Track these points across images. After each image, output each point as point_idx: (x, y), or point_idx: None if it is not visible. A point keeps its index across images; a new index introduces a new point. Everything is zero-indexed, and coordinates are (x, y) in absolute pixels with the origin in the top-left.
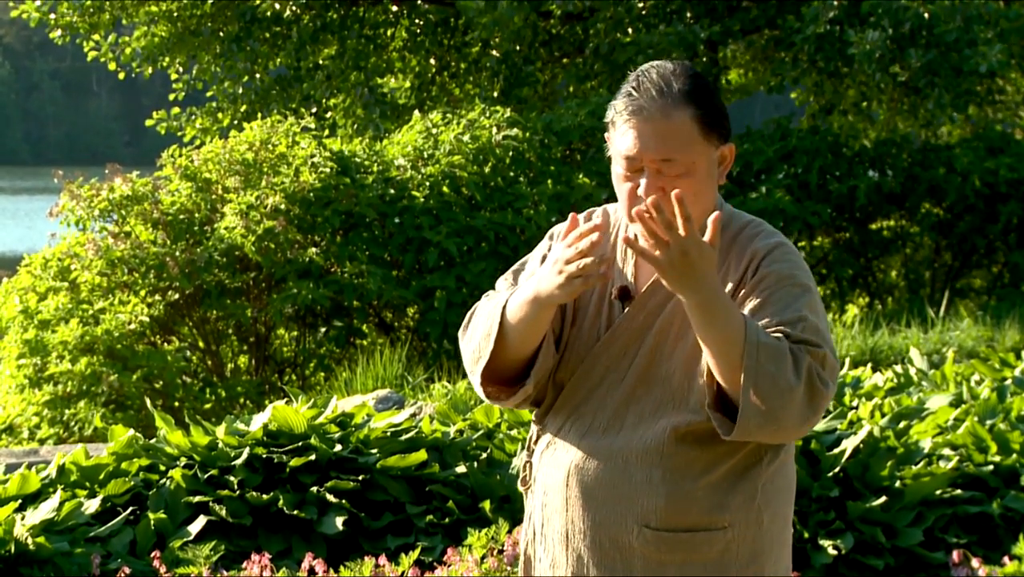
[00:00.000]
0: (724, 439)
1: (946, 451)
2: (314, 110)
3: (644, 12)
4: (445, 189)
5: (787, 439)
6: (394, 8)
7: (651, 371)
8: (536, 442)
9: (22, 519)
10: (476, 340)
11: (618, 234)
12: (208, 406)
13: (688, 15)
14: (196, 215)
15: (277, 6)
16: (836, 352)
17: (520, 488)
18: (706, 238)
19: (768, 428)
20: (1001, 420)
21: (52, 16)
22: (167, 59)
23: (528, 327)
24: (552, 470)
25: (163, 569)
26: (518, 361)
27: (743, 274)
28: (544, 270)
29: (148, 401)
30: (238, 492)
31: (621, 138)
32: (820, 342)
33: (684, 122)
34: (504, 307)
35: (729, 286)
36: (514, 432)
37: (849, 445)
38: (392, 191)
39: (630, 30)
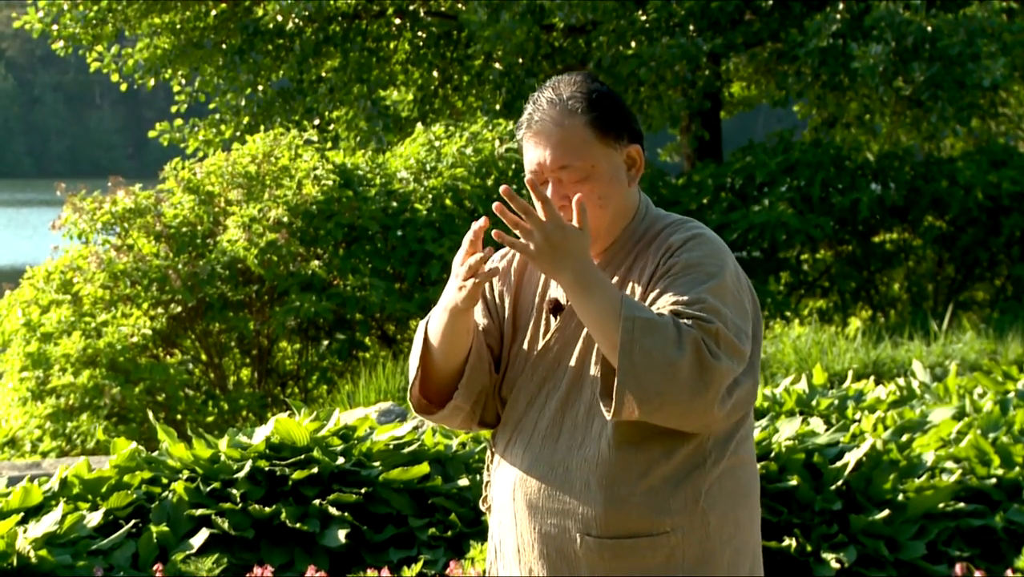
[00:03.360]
0: (658, 441)
1: (949, 464)
2: (317, 122)
3: (647, 25)
4: (448, 202)
5: (687, 419)
6: (397, 21)
7: (582, 375)
8: (492, 461)
9: (24, 532)
10: (410, 362)
11: None
12: (210, 419)
13: (691, 28)
14: (199, 228)
15: (280, 19)
16: (748, 336)
17: (482, 507)
18: (574, 222)
19: (652, 402)
20: (1004, 433)
21: (55, 27)
22: (170, 71)
23: (448, 338)
24: (501, 486)
25: None
26: (451, 375)
27: (656, 267)
28: (449, 283)
29: (150, 414)
30: (240, 505)
31: (526, 154)
32: (712, 319)
33: (576, 127)
34: (427, 324)
35: (644, 281)
36: None
37: (852, 458)
38: (395, 204)
39: (633, 43)
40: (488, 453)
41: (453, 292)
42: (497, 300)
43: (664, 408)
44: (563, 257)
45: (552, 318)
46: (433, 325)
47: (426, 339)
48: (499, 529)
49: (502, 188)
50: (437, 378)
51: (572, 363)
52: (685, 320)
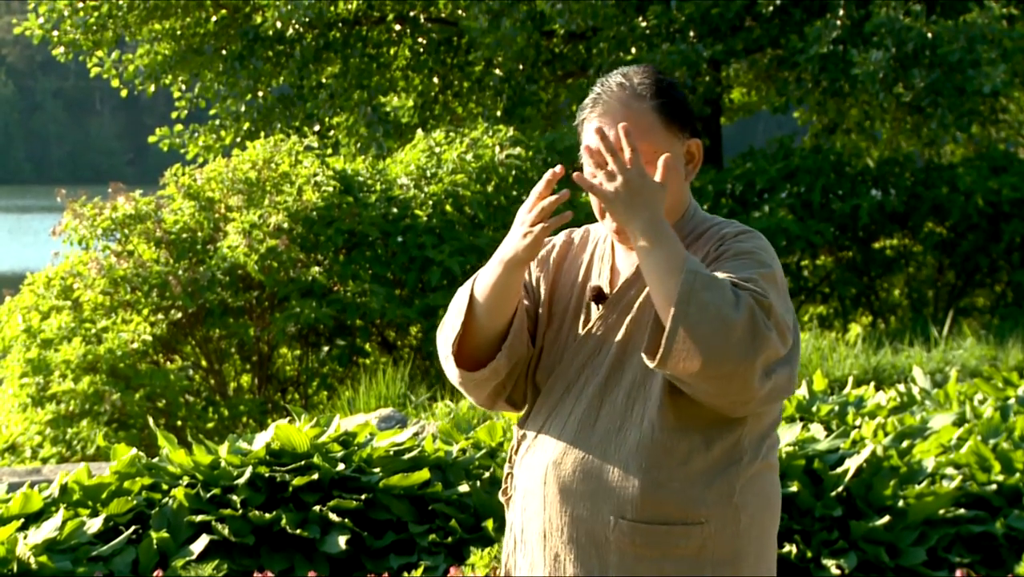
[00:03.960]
0: (698, 430)
1: (949, 470)
2: (317, 128)
3: (647, 31)
4: (448, 208)
5: (731, 384)
6: (397, 27)
7: (623, 361)
8: (517, 451)
9: (24, 538)
10: (449, 321)
11: (597, 247)
12: (211, 425)
13: (691, 34)
14: (199, 234)
15: (280, 25)
16: (791, 328)
17: (501, 499)
18: (656, 177)
19: (700, 356)
20: (1004, 439)
21: (55, 33)
22: (170, 77)
23: (497, 293)
24: (531, 472)
25: None
26: (490, 338)
27: (707, 253)
28: (510, 234)
29: (151, 420)
30: (240, 511)
31: (587, 134)
32: (766, 294)
33: (644, 111)
34: (474, 281)
35: None
36: None
37: (852, 464)
38: (395, 210)
39: (633, 49)
40: (513, 444)
41: (515, 240)
42: (534, 284)
43: (711, 365)
44: (639, 205)
45: (595, 307)
46: (482, 280)
47: (472, 295)
48: (522, 516)
49: (594, 128)
50: (476, 339)
51: (613, 350)
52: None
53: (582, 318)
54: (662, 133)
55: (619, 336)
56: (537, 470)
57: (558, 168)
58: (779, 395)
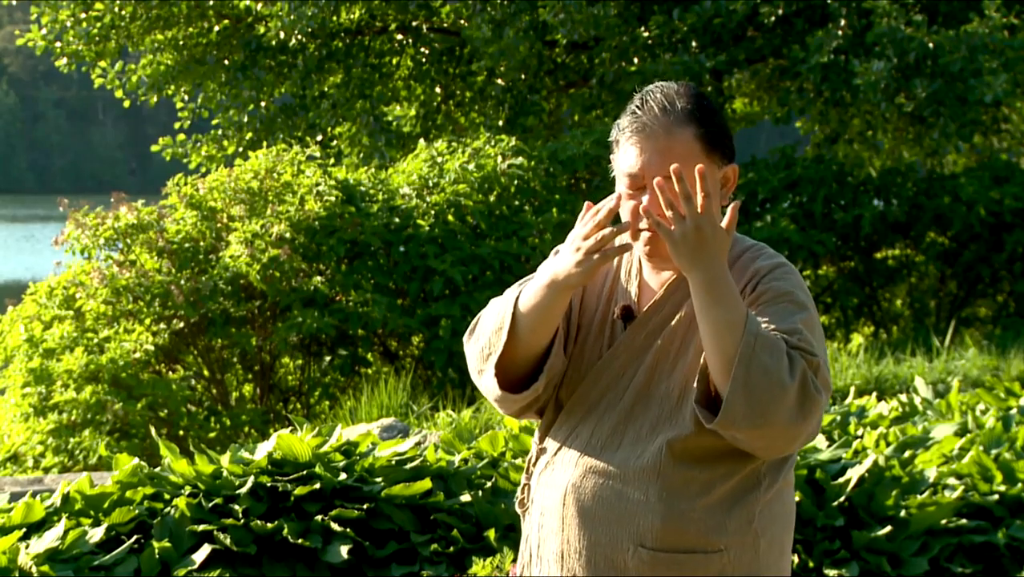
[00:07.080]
0: (722, 462)
1: (951, 480)
2: (319, 138)
3: (649, 41)
4: (450, 218)
5: (773, 445)
6: (400, 37)
7: (650, 389)
8: (535, 463)
9: (26, 548)
10: (486, 336)
11: (624, 258)
12: (213, 435)
13: (693, 44)
14: (201, 243)
15: (282, 35)
16: (830, 373)
17: (517, 510)
18: (723, 224)
19: (753, 422)
20: (1006, 449)
21: (58, 44)
22: (173, 87)
23: (542, 315)
24: (549, 490)
25: None
26: (528, 357)
27: (743, 290)
28: (562, 253)
29: (153, 430)
30: (243, 521)
31: (624, 156)
32: (815, 352)
33: (686, 140)
34: (517, 299)
35: None
36: (519, 461)
37: (854, 474)
38: (397, 220)
39: (635, 59)
40: (531, 455)
41: (569, 265)
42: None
43: (762, 428)
44: (703, 254)
45: (621, 325)
46: (527, 301)
47: (515, 316)
48: (539, 533)
49: (673, 167)
50: (514, 357)
51: (638, 377)
52: (791, 348)
53: (607, 335)
54: (702, 162)
55: (646, 361)
56: (556, 490)
57: (613, 199)
58: (812, 439)
